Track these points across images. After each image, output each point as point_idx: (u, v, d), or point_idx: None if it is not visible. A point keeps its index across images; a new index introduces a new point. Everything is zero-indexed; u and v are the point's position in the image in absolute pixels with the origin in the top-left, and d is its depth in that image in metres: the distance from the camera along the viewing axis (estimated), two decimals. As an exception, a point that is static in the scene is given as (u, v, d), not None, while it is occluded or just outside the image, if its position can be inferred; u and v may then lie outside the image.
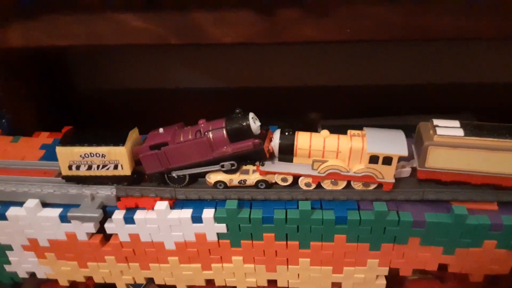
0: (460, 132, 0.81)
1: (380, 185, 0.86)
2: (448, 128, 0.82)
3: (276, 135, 0.86)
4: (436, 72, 1.34)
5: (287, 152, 0.86)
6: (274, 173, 0.88)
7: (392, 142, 0.82)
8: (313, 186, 0.88)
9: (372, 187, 0.87)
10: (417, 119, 0.90)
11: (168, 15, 0.80)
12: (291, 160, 0.87)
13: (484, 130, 0.82)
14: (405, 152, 0.80)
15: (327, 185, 0.88)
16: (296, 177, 0.88)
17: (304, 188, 0.88)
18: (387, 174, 0.83)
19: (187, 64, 1.40)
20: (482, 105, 1.24)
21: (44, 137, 1.12)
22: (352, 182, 0.87)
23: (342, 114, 1.29)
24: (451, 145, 0.81)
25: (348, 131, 0.86)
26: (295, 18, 0.79)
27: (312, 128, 1.09)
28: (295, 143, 0.84)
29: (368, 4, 0.77)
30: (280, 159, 0.87)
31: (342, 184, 0.87)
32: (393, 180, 0.84)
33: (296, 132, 0.86)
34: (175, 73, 1.42)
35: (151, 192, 0.91)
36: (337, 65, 1.36)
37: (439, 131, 0.82)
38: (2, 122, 1.30)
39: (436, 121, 0.85)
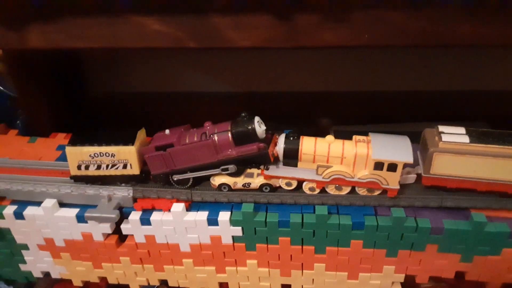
0: (466, 139, 0.81)
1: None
2: (453, 134, 0.82)
3: (281, 139, 0.86)
4: (451, 79, 1.33)
5: (291, 157, 0.86)
6: (279, 177, 0.88)
7: (397, 149, 0.82)
8: (317, 191, 0.88)
9: (376, 193, 0.87)
10: (431, 127, 0.90)
11: (186, 18, 0.80)
12: (295, 165, 0.87)
13: (490, 137, 0.81)
14: (410, 159, 0.80)
15: (331, 190, 0.88)
16: (300, 182, 0.88)
17: (308, 192, 0.88)
18: (392, 181, 0.83)
19: (200, 68, 1.40)
20: (499, 113, 1.23)
21: (61, 138, 1.13)
22: (356, 188, 0.87)
23: (355, 120, 1.28)
24: (456, 152, 0.81)
25: (354, 137, 0.86)
26: (313, 23, 0.79)
27: (324, 134, 1.09)
28: (300, 148, 0.84)
29: (386, 10, 0.77)
30: (284, 164, 0.87)
31: (346, 190, 0.87)
32: (398, 187, 0.84)
33: (301, 137, 0.86)
34: (188, 77, 1.42)
35: (168, 194, 0.91)
36: (351, 71, 1.36)
37: (444, 137, 0.82)
38: (17, 122, 1.32)
39: (441, 128, 0.84)
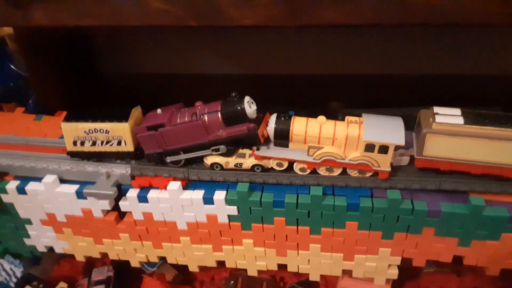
0: (460, 120, 0.79)
1: (392, 174, 0.85)
2: (448, 116, 0.80)
3: (272, 119, 0.85)
4: (466, 63, 1.29)
5: (282, 137, 0.85)
6: (269, 158, 0.87)
7: (389, 130, 0.80)
8: (308, 171, 0.87)
9: (368, 174, 0.86)
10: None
11: (188, -4, 0.79)
12: (286, 145, 0.86)
13: (485, 119, 0.79)
14: (402, 141, 0.78)
15: (322, 171, 0.87)
16: (291, 162, 0.88)
17: (299, 173, 0.88)
18: (383, 163, 0.82)
19: (209, 50, 1.40)
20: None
21: (66, 117, 1.15)
22: (348, 169, 0.86)
23: (365, 103, 1.26)
24: (450, 133, 0.78)
25: (346, 117, 0.84)
26: (315, 1, 0.77)
27: (333, 117, 1.08)
28: (291, 128, 0.83)
29: (391, -13, 0.75)
30: (275, 144, 0.87)
31: (337, 171, 0.86)
32: (389, 169, 0.83)
33: (292, 117, 0.85)
34: (197, 59, 1.42)
35: (165, 172, 0.92)
36: (360, 54, 1.33)
37: (438, 118, 0.79)
38: (28, 102, 1.34)
39: (436, 109, 0.82)
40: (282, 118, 0.84)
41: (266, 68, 1.41)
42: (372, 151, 0.80)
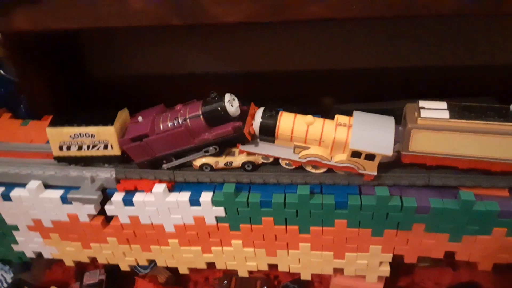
0: (446, 115, 0.77)
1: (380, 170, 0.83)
2: (433, 110, 0.78)
3: (259, 114, 0.83)
4: (457, 54, 1.27)
5: (268, 134, 0.83)
6: (254, 153, 0.86)
7: (378, 137, 0.77)
8: (293, 166, 0.86)
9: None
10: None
11: (169, -5, 0.78)
12: (272, 142, 0.84)
13: (472, 112, 0.76)
14: (389, 152, 0.76)
15: (309, 168, 0.86)
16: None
17: (285, 167, 0.86)
18: (370, 168, 0.80)
19: (199, 49, 1.39)
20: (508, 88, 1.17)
21: (52, 121, 1.13)
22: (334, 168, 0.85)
23: (358, 98, 1.25)
24: (435, 128, 0.77)
25: (336, 117, 0.82)
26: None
27: (326, 112, 1.06)
28: (277, 125, 0.81)
29: (375, -20, 0.73)
30: (261, 140, 0.85)
31: (323, 168, 0.85)
32: (375, 173, 0.81)
33: (280, 113, 0.82)
34: (187, 58, 1.41)
35: (150, 175, 0.91)
36: (352, 48, 1.31)
37: (423, 113, 0.77)
38: (20, 107, 1.33)
39: (422, 103, 0.80)
40: (269, 113, 0.82)
41: (257, 65, 1.39)
42: (359, 157, 0.78)
